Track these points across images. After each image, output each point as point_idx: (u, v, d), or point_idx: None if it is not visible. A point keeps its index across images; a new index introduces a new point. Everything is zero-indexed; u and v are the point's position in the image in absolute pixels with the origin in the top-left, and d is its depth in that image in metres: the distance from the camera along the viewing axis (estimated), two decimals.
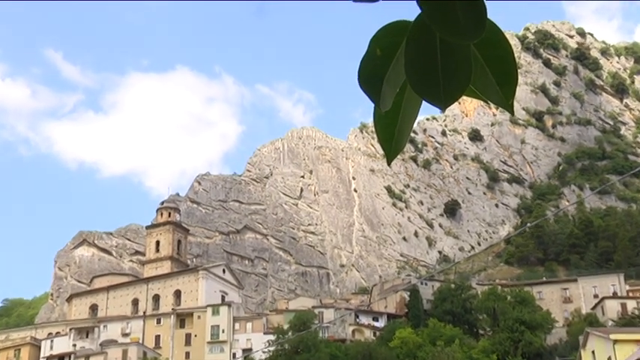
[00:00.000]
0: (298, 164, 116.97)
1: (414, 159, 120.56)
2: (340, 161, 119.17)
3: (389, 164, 1.81)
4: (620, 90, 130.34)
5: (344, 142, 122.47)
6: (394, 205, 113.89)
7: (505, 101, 1.59)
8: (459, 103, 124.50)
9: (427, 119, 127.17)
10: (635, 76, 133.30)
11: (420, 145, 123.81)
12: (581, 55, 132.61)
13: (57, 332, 68.65)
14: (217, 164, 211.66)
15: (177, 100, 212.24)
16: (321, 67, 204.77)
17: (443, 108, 1.53)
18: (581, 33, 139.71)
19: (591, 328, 39.66)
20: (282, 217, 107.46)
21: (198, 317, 63.96)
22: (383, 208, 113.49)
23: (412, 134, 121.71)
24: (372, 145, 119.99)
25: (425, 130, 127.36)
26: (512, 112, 1.62)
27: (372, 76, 1.61)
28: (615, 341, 32.54)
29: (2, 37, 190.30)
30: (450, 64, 1.51)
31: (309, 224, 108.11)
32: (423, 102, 1.58)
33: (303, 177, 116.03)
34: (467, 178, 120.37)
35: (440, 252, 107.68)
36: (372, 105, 1.65)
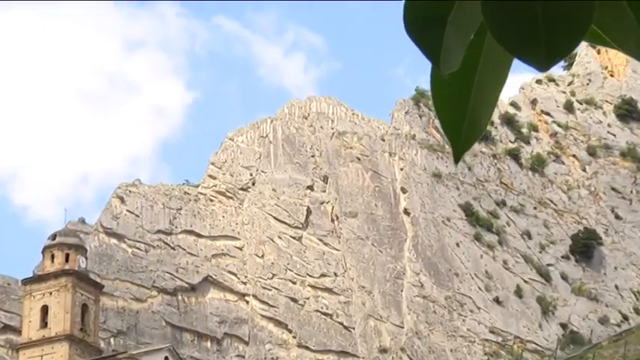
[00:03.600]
0: (302, 165, 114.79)
1: (514, 154, 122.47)
2: (379, 159, 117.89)
3: (457, 161, 1.96)
4: None
5: (385, 124, 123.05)
6: (478, 238, 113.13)
7: None
8: (598, 52, 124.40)
9: (537, 81, 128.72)
10: None
11: (523, 130, 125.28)
12: None
13: None
14: (152, 165, 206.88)
15: (71, 46, 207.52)
16: None
17: (544, 67, 1.58)
18: None
19: None
20: (272, 263, 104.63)
21: None
22: (457, 245, 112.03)
23: (510, 109, 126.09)
24: (437, 131, 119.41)
25: (533, 103, 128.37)
26: None
27: (427, 17, 1.64)
28: None
29: None
30: None
31: (321, 274, 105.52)
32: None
33: (310, 188, 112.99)
34: (612, 189, 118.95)
35: (564, 325, 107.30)
36: (429, 64, 1.74)
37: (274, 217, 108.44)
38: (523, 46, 1.56)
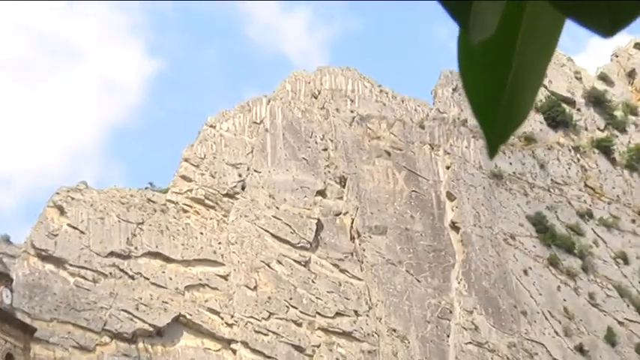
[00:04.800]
0: (310, 162, 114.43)
1: (604, 146, 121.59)
2: (416, 154, 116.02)
3: (492, 155, 1.99)
4: None
5: (425, 105, 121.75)
6: (553, 263, 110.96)
7: None
8: None
9: (637, 45, 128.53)
10: None
11: (617, 113, 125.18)
12: None
13: None
14: (102, 162, 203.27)
15: None
16: None
17: (608, 33, 1.66)
18: None
19: None
20: (269, 297, 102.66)
21: None
22: (525, 272, 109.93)
23: (599, 85, 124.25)
24: None
25: (631, 75, 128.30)
26: None
27: None
28: None
29: None
30: None
31: (337, 313, 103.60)
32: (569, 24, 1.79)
33: (322, 193, 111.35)
34: None
35: None
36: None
37: (272, 235, 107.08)
38: (580, 6, 1.55)
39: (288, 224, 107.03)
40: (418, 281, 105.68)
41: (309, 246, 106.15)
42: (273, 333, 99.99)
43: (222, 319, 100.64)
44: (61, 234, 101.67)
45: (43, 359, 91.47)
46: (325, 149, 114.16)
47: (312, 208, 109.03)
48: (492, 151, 1.86)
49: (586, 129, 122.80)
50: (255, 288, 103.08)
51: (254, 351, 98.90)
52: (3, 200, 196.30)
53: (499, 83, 1.75)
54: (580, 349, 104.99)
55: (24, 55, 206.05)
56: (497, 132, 1.78)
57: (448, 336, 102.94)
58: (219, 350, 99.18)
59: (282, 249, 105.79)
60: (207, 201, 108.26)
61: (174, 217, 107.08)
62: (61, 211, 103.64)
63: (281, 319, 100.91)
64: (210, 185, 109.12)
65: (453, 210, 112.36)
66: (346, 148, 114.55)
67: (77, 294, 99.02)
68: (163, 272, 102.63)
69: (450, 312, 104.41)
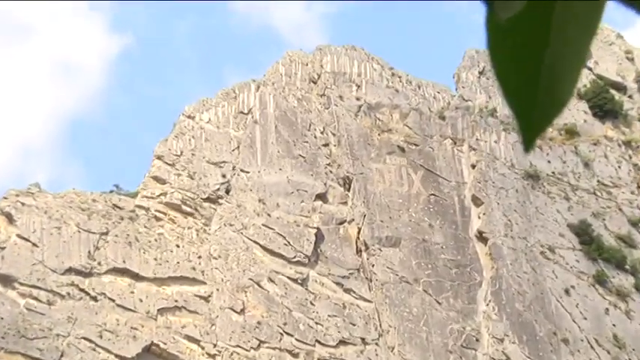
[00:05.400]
0: (308, 160, 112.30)
1: None
2: (435, 150, 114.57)
3: (527, 149, 2.01)
4: None
5: (446, 91, 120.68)
6: (600, 281, 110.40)
7: None
8: None
9: None
10: None
11: None
12: None
13: None
14: (57, 160, 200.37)
15: None
16: None
17: None
18: None
19: None
20: (258, 322, 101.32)
21: None
22: (567, 292, 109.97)
23: None
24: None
25: None
26: None
27: None
28: None
29: None
30: None
31: (341, 341, 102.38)
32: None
33: (322, 197, 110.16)
34: None
35: None
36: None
37: (262, 247, 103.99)
38: None
39: (281, 235, 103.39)
40: (438, 303, 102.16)
41: (307, 261, 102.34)
42: None
43: (202, 348, 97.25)
44: (9, 247, 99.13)
45: None
46: (326, 145, 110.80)
47: (311, 216, 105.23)
48: (528, 144, 1.85)
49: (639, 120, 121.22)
50: (242, 311, 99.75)
51: None
52: None
53: (535, 64, 1.74)
54: None
55: None
56: (533, 121, 1.78)
57: None
58: None
59: (274, 264, 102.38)
60: (184, 207, 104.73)
61: (145, 227, 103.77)
62: (9, 219, 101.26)
63: (273, 348, 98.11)
64: (188, 188, 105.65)
65: (479, 217, 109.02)
66: (351, 143, 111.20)
67: (28, 319, 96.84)
68: (132, 292, 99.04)
69: (477, 340, 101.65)
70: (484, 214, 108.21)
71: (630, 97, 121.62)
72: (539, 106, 1.68)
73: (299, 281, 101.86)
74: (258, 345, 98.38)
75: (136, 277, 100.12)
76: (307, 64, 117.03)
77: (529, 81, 1.69)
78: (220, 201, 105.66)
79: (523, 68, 1.68)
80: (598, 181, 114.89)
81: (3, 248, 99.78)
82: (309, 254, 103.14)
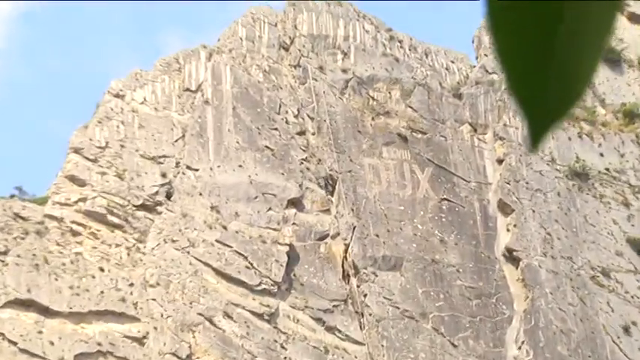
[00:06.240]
0: (278, 154, 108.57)
1: None
2: (449, 139, 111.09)
3: (535, 145, 2.07)
4: None
5: (463, 60, 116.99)
6: None
7: None
8: None
9: None
10: None
11: None
12: None
13: None
14: None
15: None
16: None
17: None
18: None
19: None
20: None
21: None
22: (627, 330, 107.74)
23: None
24: None
25: None
26: None
27: None
28: None
29: None
30: None
31: None
32: None
33: (295, 203, 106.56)
34: None
35: None
36: None
37: (216, 271, 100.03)
38: None
39: (242, 254, 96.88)
40: (454, 345, 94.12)
41: (276, 289, 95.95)
42: None
43: None
44: None
45: None
46: (302, 133, 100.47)
47: (282, 229, 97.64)
48: (536, 140, 1.88)
49: None
50: (188, 357, 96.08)
51: None
52: None
53: (546, 43, 1.78)
54: None
55: None
56: (542, 116, 1.82)
57: None
58: None
59: (232, 294, 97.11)
60: (110, 217, 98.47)
61: (58, 244, 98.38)
62: None
63: None
64: (115, 192, 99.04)
65: (508, 230, 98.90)
66: (336, 130, 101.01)
67: None
68: (40, 332, 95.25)
69: None
70: (515, 225, 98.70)
71: None
72: (550, 95, 1.76)
73: (265, 317, 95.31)
74: None
75: (46, 311, 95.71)
76: (276, 25, 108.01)
77: (539, 63, 1.76)
78: (159, 209, 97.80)
79: (531, 48, 1.75)
80: None
81: None
82: (279, 281, 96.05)
